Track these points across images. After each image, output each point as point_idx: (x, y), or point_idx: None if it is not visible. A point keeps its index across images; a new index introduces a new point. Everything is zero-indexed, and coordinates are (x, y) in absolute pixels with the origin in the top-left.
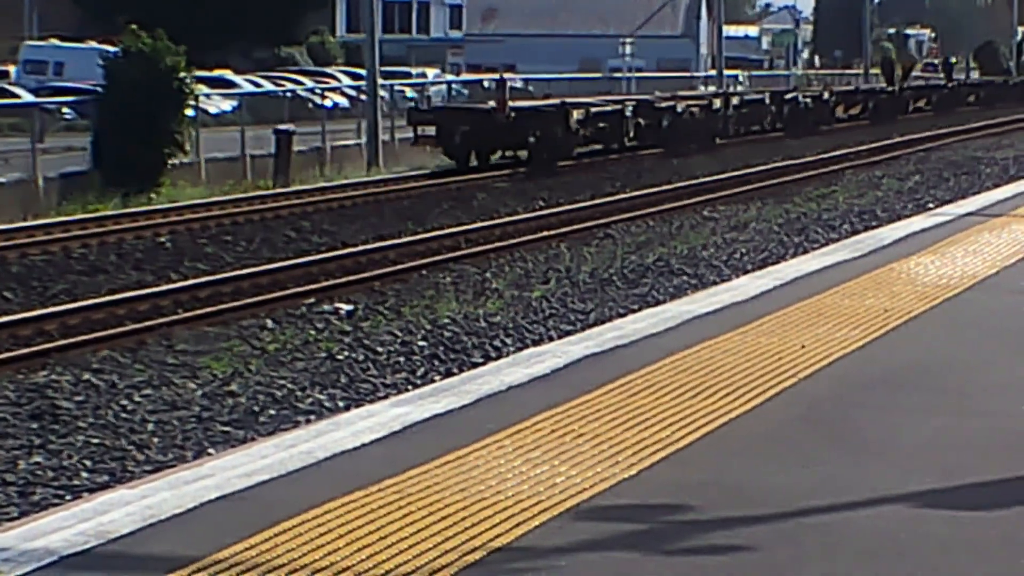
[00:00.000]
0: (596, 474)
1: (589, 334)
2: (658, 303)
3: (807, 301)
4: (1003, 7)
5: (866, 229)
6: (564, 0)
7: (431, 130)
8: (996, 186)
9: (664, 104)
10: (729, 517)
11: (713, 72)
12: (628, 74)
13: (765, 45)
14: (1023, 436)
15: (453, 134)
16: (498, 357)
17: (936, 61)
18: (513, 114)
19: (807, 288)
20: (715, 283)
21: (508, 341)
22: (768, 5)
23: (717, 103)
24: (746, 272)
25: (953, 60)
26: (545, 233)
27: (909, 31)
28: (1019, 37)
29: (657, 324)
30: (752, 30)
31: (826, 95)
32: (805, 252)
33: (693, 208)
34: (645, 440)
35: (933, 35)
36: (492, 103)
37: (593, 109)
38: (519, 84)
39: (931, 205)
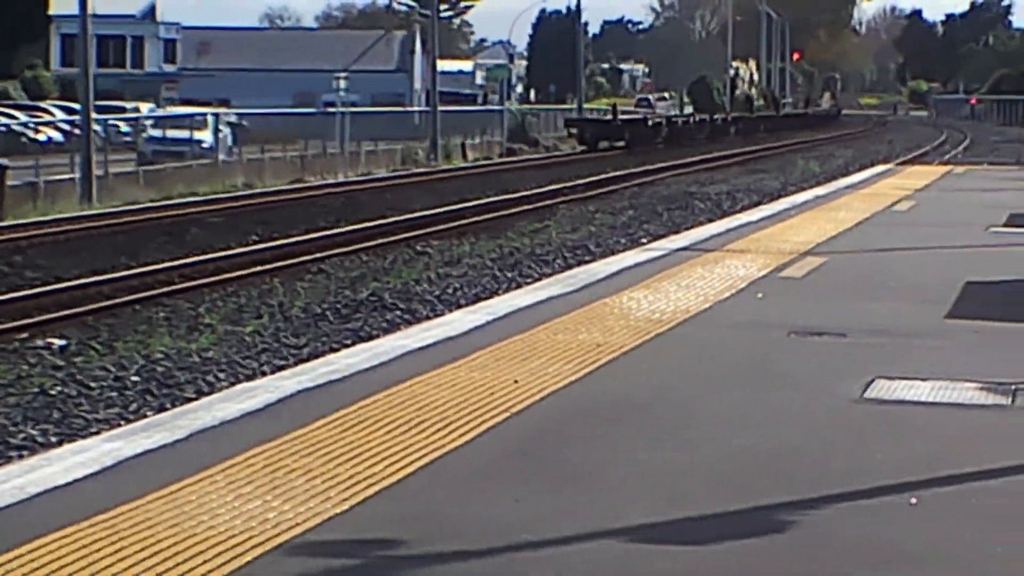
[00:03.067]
0: (308, 509)
1: (302, 369)
2: (371, 338)
3: (520, 336)
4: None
5: (579, 264)
6: (278, 35)
7: (574, 129)
8: (709, 220)
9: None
10: (442, 552)
11: (428, 108)
12: (342, 108)
13: (480, 80)
14: (735, 470)
15: (585, 132)
16: (211, 392)
17: (650, 96)
18: (619, 121)
19: (520, 323)
20: (428, 318)
21: (221, 376)
22: (483, 40)
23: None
24: (459, 307)
25: (667, 95)
26: (259, 268)
27: (623, 66)
28: (732, 72)
29: (370, 359)
30: (467, 65)
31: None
32: (518, 287)
33: (407, 243)
34: (358, 475)
35: (647, 70)
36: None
37: (651, 120)
38: (233, 119)
39: (644, 240)
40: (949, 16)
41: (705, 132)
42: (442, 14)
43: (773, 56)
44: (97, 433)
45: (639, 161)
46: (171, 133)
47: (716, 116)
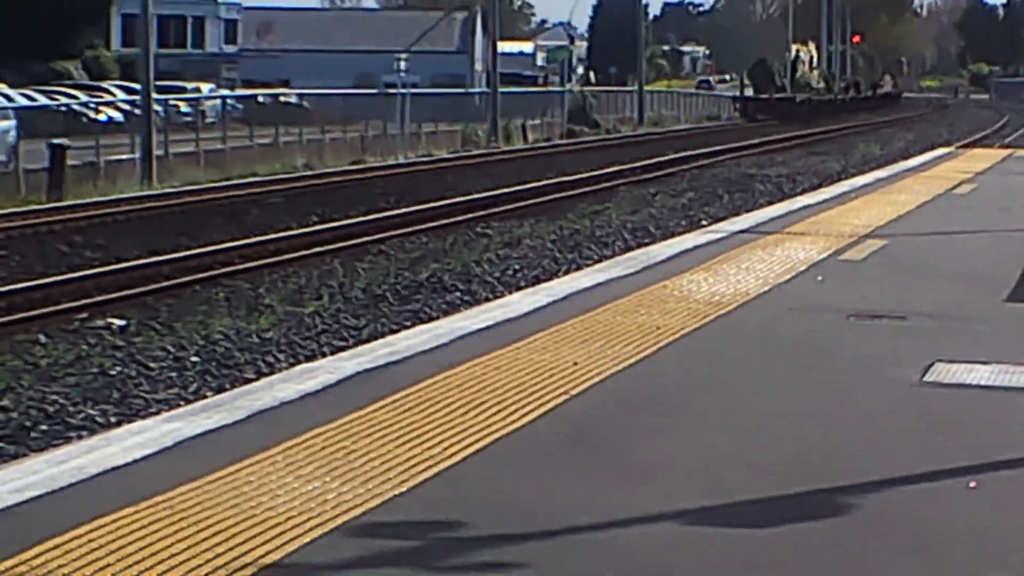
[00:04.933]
0: (368, 491)
1: (361, 350)
2: (431, 319)
3: (580, 318)
4: (777, 24)
5: (639, 246)
6: (339, 16)
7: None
8: (769, 203)
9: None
10: (499, 534)
11: (488, 89)
12: (403, 90)
13: (540, 61)
14: (794, 454)
15: (747, 108)
16: (270, 373)
17: (711, 78)
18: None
19: (580, 305)
20: (488, 299)
21: (281, 357)
22: (544, 21)
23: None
24: (519, 289)
25: (727, 77)
26: (318, 249)
27: (684, 48)
28: (793, 55)
29: (430, 340)
30: (527, 46)
31: None
32: (578, 269)
33: (467, 224)
34: (417, 457)
35: (707, 52)
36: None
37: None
38: (294, 100)
39: (704, 222)
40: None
41: (835, 109)
42: None
43: (834, 38)
44: (157, 413)
45: (699, 142)
46: None
47: (839, 95)
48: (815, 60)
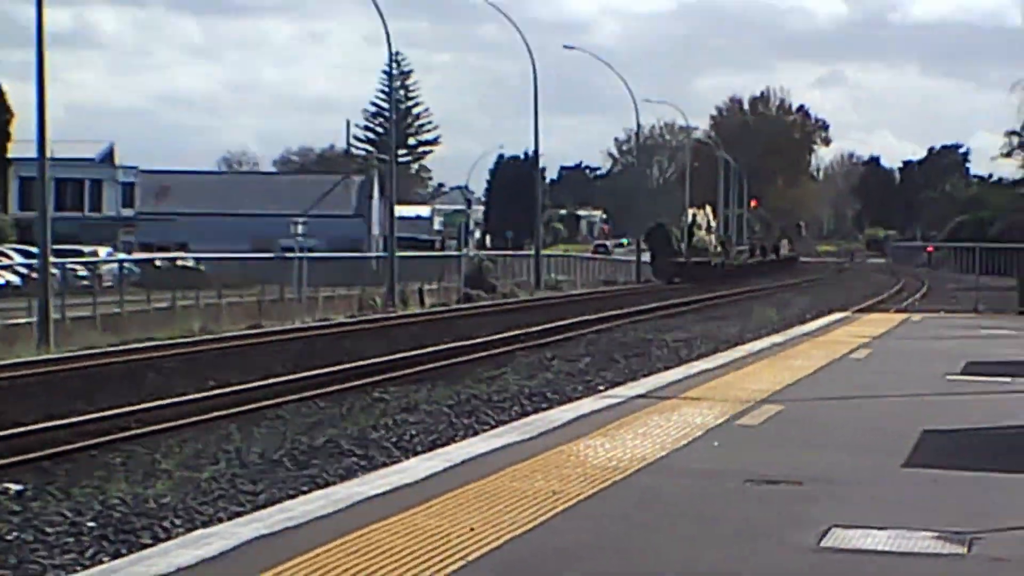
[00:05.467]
0: None
1: (259, 515)
2: (328, 484)
3: (477, 483)
4: (674, 188)
5: (536, 411)
6: (237, 179)
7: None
8: (666, 368)
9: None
10: None
11: (385, 253)
12: (300, 254)
13: (438, 225)
14: None
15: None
16: (167, 538)
17: (608, 242)
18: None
19: (477, 470)
20: (385, 464)
21: (177, 522)
22: (441, 185)
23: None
24: (416, 454)
25: (624, 241)
26: (216, 413)
27: (581, 212)
28: (690, 219)
29: (327, 506)
30: (424, 210)
31: None
32: (475, 434)
33: (364, 389)
34: None
35: (604, 216)
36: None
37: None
38: (191, 263)
39: (601, 387)
40: (907, 163)
41: (736, 273)
42: (400, 159)
43: (731, 202)
44: None
45: (595, 307)
46: None
47: (745, 259)
48: (712, 224)
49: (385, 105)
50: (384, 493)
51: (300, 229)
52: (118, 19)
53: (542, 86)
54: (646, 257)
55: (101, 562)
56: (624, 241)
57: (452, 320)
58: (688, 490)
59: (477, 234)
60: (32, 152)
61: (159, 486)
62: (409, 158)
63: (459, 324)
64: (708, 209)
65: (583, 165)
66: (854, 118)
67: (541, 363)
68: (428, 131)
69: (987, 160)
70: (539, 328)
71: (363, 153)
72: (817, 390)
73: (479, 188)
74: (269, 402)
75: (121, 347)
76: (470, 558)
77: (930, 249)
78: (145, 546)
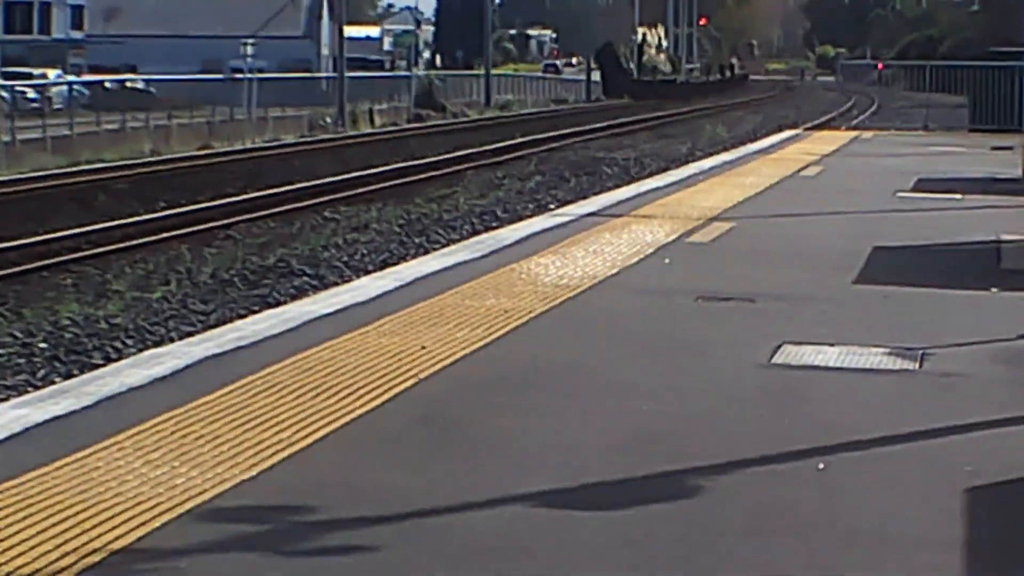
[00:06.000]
0: (216, 475)
1: (210, 335)
2: (279, 304)
3: (428, 302)
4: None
5: (487, 230)
6: (186, 1)
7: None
8: (617, 187)
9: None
10: (349, 517)
11: (335, 74)
12: (249, 75)
13: (387, 46)
14: (642, 436)
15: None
16: (119, 358)
17: (557, 62)
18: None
19: (428, 289)
20: (336, 284)
21: (129, 342)
22: (390, 6)
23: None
24: (367, 273)
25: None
26: (165, 234)
27: (531, 32)
28: (639, 38)
29: (278, 325)
30: (374, 31)
31: None
32: (426, 253)
33: (314, 209)
34: (266, 441)
35: (554, 36)
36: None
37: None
38: (141, 85)
39: (552, 206)
40: None
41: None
42: None
43: (680, 22)
44: (5, 400)
45: (546, 125)
46: None
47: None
48: (662, 43)
49: None
50: (335, 312)
51: (250, 50)
52: None
53: None
54: (596, 77)
55: (53, 382)
56: (573, 61)
57: (402, 140)
58: (639, 307)
59: (427, 54)
60: None
61: (110, 307)
62: None
63: (409, 144)
64: (659, 28)
65: None
66: None
67: (491, 182)
68: None
69: None
70: (489, 148)
71: None
72: (768, 207)
73: (428, 8)
74: (219, 223)
75: (71, 169)
76: (422, 375)
77: (880, 67)
78: (96, 366)
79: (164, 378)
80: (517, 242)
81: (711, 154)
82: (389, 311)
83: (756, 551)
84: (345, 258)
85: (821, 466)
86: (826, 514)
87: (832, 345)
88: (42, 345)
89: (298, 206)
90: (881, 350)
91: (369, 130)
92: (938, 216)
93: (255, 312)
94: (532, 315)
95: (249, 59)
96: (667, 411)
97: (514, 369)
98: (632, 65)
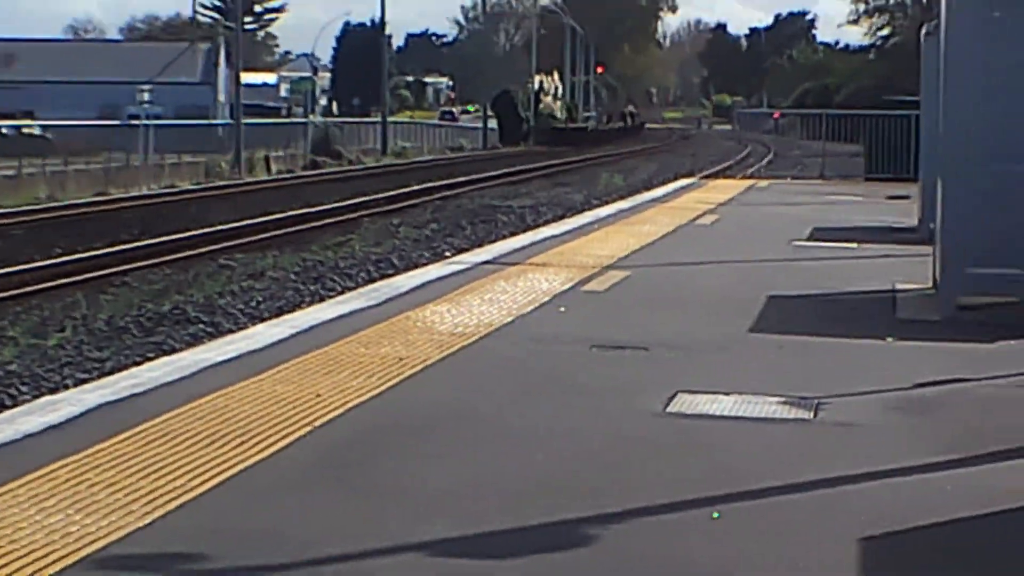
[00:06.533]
0: (111, 523)
1: (105, 382)
2: (174, 351)
3: (323, 349)
4: (521, 55)
5: (383, 277)
6: (83, 47)
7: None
8: (513, 234)
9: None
10: (242, 565)
11: (231, 121)
12: (146, 121)
13: (284, 92)
14: (538, 484)
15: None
16: (13, 405)
17: (453, 109)
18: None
19: (323, 336)
20: (232, 331)
21: (24, 389)
22: (287, 52)
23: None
24: (263, 320)
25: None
26: (61, 281)
27: (427, 79)
28: (536, 85)
29: (173, 372)
30: (271, 77)
31: None
32: (322, 300)
33: (210, 256)
34: (160, 488)
35: (451, 83)
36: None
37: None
38: (37, 131)
39: (448, 253)
40: (753, 30)
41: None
42: (246, 26)
43: (578, 70)
44: None
45: (444, 173)
46: None
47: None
48: (559, 90)
49: None
50: (230, 360)
51: (146, 96)
52: None
53: None
54: (493, 124)
55: None
56: (470, 108)
57: (298, 187)
58: (534, 355)
59: (324, 101)
60: None
61: (5, 353)
62: (255, 25)
63: (306, 191)
64: (555, 76)
65: (429, 32)
66: None
67: (387, 230)
68: None
69: (834, 27)
70: (385, 195)
71: (209, 21)
72: (664, 256)
73: (326, 55)
74: (115, 269)
75: None
76: (316, 423)
77: (776, 116)
78: None
79: (59, 425)
80: (413, 290)
81: (607, 202)
82: (284, 359)
83: None
84: (241, 305)
85: (716, 515)
86: (720, 564)
87: (727, 394)
88: None
89: (194, 253)
90: (776, 399)
91: (266, 177)
92: (834, 265)
93: (150, 359)
94: (427, 363)
95: (146, 105)
96: (563, 459)
97: (409, 416)
98: (529, 113)
